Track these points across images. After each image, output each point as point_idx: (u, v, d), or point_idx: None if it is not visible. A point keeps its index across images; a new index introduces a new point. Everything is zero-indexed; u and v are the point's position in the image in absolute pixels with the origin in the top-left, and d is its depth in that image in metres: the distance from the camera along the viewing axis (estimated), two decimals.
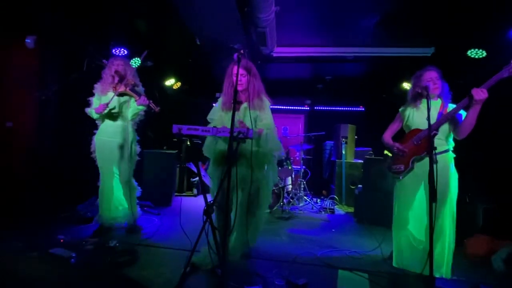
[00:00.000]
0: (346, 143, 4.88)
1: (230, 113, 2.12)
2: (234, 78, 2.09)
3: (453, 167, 2.01)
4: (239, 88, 2.10)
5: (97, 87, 2.66)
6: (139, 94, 2.59)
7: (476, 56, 3.47)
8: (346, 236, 3.14)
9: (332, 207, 4.33)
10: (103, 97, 2.61)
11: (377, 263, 2.33)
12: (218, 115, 2.25)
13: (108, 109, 2.54)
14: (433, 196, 1.67)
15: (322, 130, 5.23)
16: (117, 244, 2.35)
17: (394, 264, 2.16)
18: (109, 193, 2.76)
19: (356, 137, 5.19)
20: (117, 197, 2.82)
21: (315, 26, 3.98)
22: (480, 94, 1.77)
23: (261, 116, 2.16)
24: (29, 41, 2.79)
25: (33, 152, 2.99)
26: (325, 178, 5.88)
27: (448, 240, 1.96)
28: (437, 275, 1.92)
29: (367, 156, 4.13)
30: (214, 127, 1.89)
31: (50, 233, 2.50)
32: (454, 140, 2.08)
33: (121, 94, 2.60)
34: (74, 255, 2.07)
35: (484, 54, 3.42)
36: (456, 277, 1.99)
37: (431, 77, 2.04)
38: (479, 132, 2.00)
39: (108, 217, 2.74)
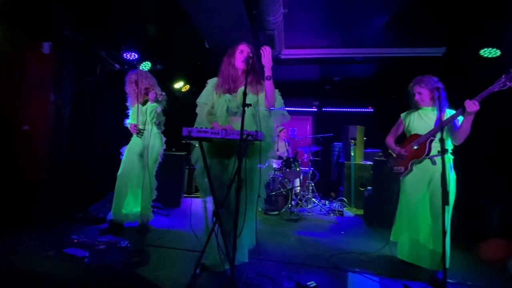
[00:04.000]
0: (354, 144, 4.83)
1: (224, 97, 2.03)
2: (236, 57, 2.00)
3: (452, 168, 2.10)
4: (240, 66, 2.01)
5: (128, 103, 2.96)
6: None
7: (490, 55, 3.40)
8: (355, 238, 3.11)
9: (341, 209, 4.30)
10: (133, 109, 2.91)
11: (387, 266, 2.30)
12: (211, 99, 2.08)
13: (140, 127, 2.83)
14: (445, 198, 1.68)
15: (330, 132, 5.20)
16: (129, 245, 2.40)
17: (398, 255, 2.28)
18: (124, 191, 2.84)
19: (365, 138, 5.13)
20: (132, 196, 2.88)
21: (323, 28, 3.97)
22: (471, 106, 1.90)
23: (261, 102, 2.01)
24: (45, 47, 2.88)
25: (48, 155, 3.08)
26: (333, 180, 5.84)
27: (449, 237, 2.04)
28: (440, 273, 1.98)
29: (377, 158, 4.08)
30: (224, 130, 1.87)
31: (65, 233, 2.57)
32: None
33: (144, 103, 2.86)
34: (87, 254, 2.12)
35: (498, 53, 3.34)
36: (471, 283, 1.95)
37: (417, 91, 2.23)
38: (490, 133, 1.98)
39: (120, 214, 2.82)
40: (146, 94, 2.88)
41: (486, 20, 3.19)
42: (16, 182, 2.72)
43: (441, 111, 2.03)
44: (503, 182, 3.14)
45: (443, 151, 1.76)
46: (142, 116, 2.85)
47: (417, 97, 2.21)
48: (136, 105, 2.87)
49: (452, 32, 3.69)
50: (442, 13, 3.30)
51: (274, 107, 2.08)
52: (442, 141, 1.80)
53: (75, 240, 2.41)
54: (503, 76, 1.83)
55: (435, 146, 2.08)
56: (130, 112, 2.98)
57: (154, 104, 2.84)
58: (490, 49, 3.38)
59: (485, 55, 3.42)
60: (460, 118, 2.05)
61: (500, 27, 3.19)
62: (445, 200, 1.70)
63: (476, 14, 3.15)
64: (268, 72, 1.96)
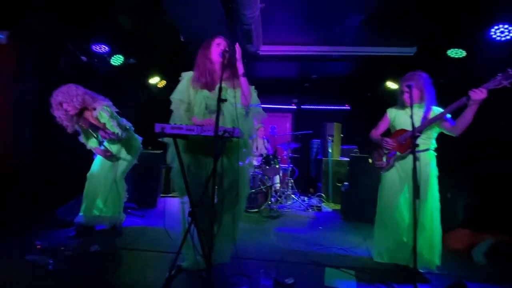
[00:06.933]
0: (332, 141, 4.94)
1: (202, 93, 1.95)
2: (213, 50, 1.93)
3: (435, 165, 2.10)
4: (217, 59, 1.93)
5: (70, 129, 2.56)
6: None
7: (456, 56, 3.56)
8: (333, 233, 3.17)
9: (319, 205, 4.37)
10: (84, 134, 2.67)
11: (363, 260, 2.36)
12: (187, 95, 1.98)
13: (108, 150, 2.65)
14: (415, 193, 1.74)
15: (309, 129, 5.26)
16: (99, 249, 2.27)
17: (374, 258, 2.26)
18: (95, 193, 2.67)
19: (342, 135, 5.26)
20: (102, 197, 2.71)
21: (301, 25, 3.99)
22: (478, 94, 1.80)
23: (238, 99, 1.94)
24: (1, 36, 2.62)
25: (10, 155, 2.83)
26: (312, 176, 5.93)
27: (430, 235, 2.03)
28: (421, 269, 2.03)
29: (353, 154, 4.19)
30: (199, 126, 1.79)
31: (28, 239, 2.38)
32: (436, 139, 2.15)
33: (92, 125, 2.57)
34: (51, 261, 1.98)
35: (464, 53, 3.51)
36: (438, 271, 2.04)
37: (406, 89, 2.07)
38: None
39: (91, 216, 2.66)
40: (83, 117, 2.51)
41: (453, 22, 3.34)
42: None
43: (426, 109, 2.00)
44: (468, 177, 3.33)
45: (413, 146, 1.80)
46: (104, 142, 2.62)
47: (405, 95, 2.07)
48: (84, 129, 2.63)
49: (422, 32, 3.84)
50: (414, 13, 3.42)
51: (250, 104, 2.04)
52: (414, 137, 1.85)
53: (38, 246, 2.24)
54: (498, 75, 1.74)
55: (421, 142, 2.02)
56: (81, 131, 2.67)
57: (102, 115, 2.51)
58: (456, 50, 3.54)
59: (452, 56, 3.58)
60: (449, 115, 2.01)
61: (466, 29, 3.36)
62: (416, 194, 1.75)
63: (444, 16, 3.30)
64: (242, 68, 1.93)
